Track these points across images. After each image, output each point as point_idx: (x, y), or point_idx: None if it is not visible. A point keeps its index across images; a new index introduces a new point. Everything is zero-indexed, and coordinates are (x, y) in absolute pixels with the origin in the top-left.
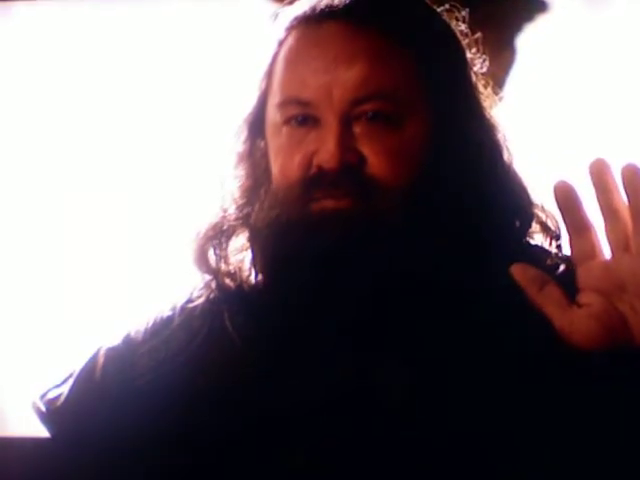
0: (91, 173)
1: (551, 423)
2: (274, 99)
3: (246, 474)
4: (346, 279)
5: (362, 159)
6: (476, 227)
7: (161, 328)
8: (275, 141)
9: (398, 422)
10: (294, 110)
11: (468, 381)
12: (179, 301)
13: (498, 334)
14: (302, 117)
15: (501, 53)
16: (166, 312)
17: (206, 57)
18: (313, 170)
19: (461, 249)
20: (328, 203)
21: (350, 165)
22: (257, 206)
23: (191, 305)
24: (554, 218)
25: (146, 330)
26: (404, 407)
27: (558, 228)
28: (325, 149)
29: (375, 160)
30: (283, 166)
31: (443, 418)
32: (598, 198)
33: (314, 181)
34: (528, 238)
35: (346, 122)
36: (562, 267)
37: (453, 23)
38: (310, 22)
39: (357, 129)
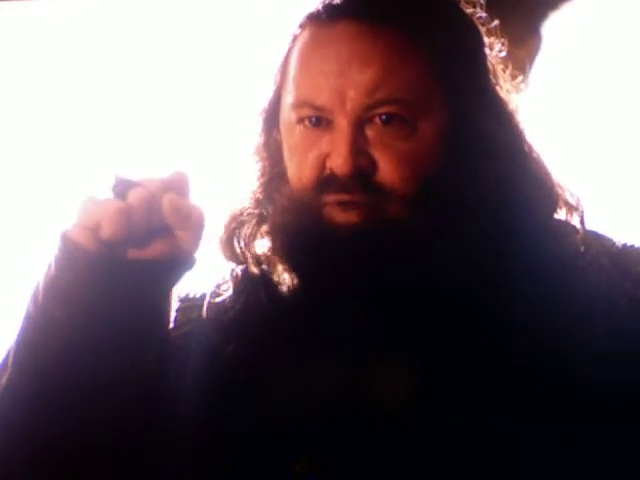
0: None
1: (554, 428)
2: (288, 98)
3: (246, 457)
4: (357, 283)
5: (374, 165)
6: (498, 219)
7: (196, 299)
8: (289, 140)
9: (400, 425)
10: (308, 112)
11: (475, 385)
12: (215, 284)
13: (508, 338)
14: (316, 118)
15: (527, 40)
16: (200, 292)
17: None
18: (326, 172)
19: (481, 245)
20: (339, 216)
21: (362, 170)
22: (273, 208)
23: (225, 287)
24: (576, 195)
25: (180, 295)
26: (407, 409)
27: (580, 205)
28: (337, 154)
29: (387, 167)
30: (297, 168)
31: (446, 421)
32: None
33: (326, 183)
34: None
35: (359, 125)
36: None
37: (470, 10)
38: (323, 20)
39: (370, 132)
